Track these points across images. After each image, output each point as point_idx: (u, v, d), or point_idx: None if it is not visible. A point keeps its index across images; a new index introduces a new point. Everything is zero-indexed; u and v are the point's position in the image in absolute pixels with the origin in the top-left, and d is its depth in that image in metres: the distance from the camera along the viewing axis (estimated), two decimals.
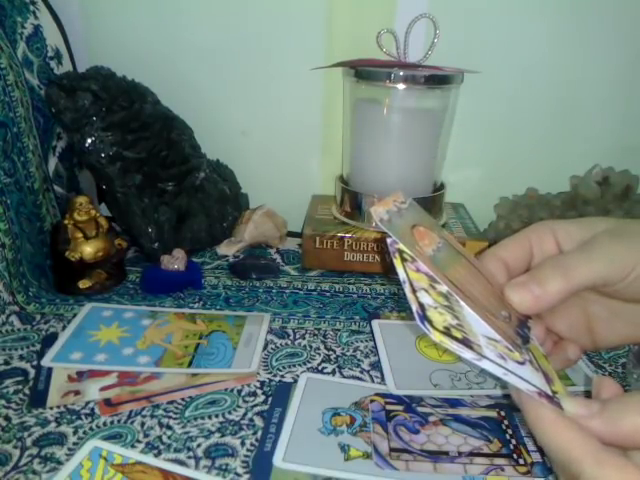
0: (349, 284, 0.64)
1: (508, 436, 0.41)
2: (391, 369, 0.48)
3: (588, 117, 0.72)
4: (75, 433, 0.40)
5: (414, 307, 0.28)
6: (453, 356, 0.50)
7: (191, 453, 0.39)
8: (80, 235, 0.59)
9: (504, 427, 0.42)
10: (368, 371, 0.48)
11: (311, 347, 0.51)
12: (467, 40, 0.68)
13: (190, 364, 0.48)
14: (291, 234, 0.74)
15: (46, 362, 0.47)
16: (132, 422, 0.41)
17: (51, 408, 0.42)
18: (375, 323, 0.55)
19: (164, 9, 0.69)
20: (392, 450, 0.39)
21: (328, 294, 0.61)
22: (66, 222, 0.59)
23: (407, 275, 0.29)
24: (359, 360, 0.50)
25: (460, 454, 0.39)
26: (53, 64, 0.65)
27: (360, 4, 0.68)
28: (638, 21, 0.67)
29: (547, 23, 0.68)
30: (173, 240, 0.66)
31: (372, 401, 0.44)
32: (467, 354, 0.27)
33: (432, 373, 0.48)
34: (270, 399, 0.44)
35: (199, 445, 0.39)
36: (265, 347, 0.51)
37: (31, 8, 0.62)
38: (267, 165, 0.77)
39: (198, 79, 0.72)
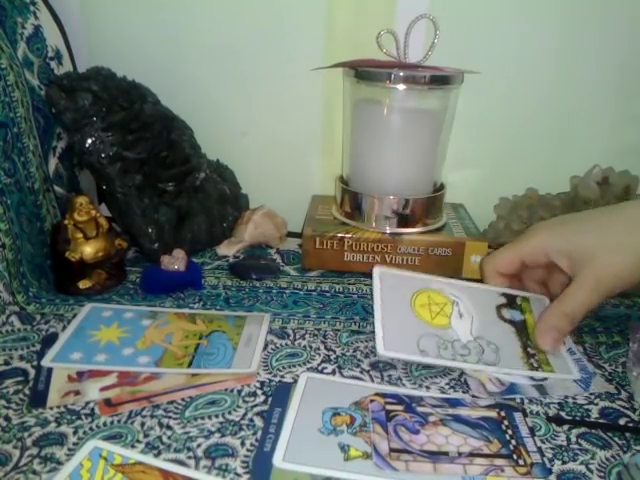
0: (349, 284, 0.64)
1: (508, 437, 0.41)
2: (383, 327, 0.48)
3: (588, 117, 0.72)
4: (75, 433, 0.40)
5: None
6: (445, 321, 0.51)
7: (191, 453, 0.39)
8: (80, 235, 0.59)
9: (504, 427, 0.42)
10: (368, 371, 0.48)
11: (311, 347, 0.51)
12: (467, 40, 0.68)
13: (190, 364, 0.48)
14: (291, 234, 0.74)
15: (46, 362, 0.47)
16: (132, 422, 0.41)
17: (51, 408, 0.42)
18: (377, 271, 0.53)
19: (164, 9, 0.70)
20: (392, 450, 0.39)
21: (328, 294, 0.61)
22: (66, 222, 0.59)
23: None
24: (359, 360, 0.50)
25: (460, 454, 0.39)
26: (53, 64, 0.65)
27: (360, 4, 0.68)
28: (637, 21, 0.67)
29: (547, 23, 0.68)
30: (173, 240, 0.66)
31: (372, 401, 0.44)
32: None
33: (421, 338, 0.48)
34: (270, 399, 0.44)
35: (199, 445, 0.39)
36: (265, 347, 0.51)
37: (31, 8, 0.62)
38: (267, 165, 0.77)
39: (198, 79, 0.72)
